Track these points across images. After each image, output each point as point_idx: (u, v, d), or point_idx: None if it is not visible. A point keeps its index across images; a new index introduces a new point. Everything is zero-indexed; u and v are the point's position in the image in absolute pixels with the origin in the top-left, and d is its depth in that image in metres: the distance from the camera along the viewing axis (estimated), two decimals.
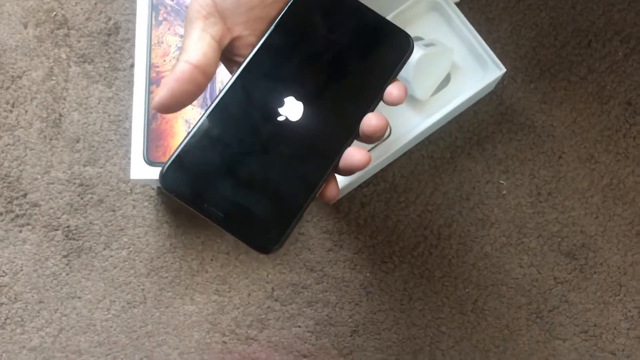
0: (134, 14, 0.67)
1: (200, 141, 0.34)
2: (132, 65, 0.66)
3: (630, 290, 0.61)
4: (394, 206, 0.63)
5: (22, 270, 0.64)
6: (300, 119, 0.35)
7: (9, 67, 0.67)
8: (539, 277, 0.62)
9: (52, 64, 0.67)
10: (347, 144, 0.35)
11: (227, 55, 0.37)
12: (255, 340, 0.62)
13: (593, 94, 0.63)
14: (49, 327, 0.63)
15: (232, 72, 0.38)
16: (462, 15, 0.59)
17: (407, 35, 0.36)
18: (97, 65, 0.67)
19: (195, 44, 0.35)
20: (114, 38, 0.67)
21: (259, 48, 0.36)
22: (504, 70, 0.58)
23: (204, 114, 0.34)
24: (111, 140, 0.65)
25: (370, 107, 0.36)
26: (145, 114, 0.58)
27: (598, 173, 0.63)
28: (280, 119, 0.35)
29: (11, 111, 0.66)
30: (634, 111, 0.63)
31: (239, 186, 0.33)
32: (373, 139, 0.36)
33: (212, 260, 0.63)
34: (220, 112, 0.35)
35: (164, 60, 0.59)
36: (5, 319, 0.63)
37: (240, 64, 0.36)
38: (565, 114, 0.63)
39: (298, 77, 0.36)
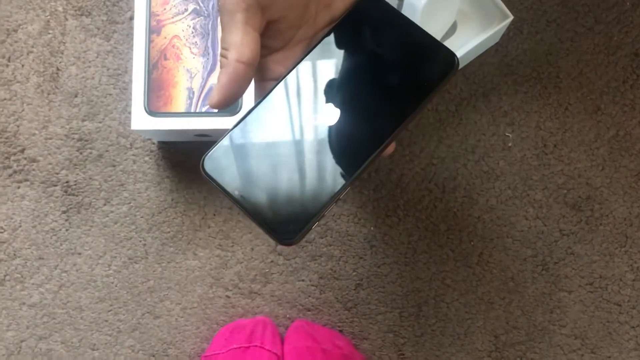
0: None
1: (242, 135, 0.37)
2: (131, 18, 0.65)
3: (637, 242, 0.61)
4: (399, 160, 0.62)
5: (20, 226, 0.63)
6: (336, 125, 0.37)
7: (4, 21, 0.65)
8: (544, 229, 0.61)
9: (49, 17, 0.65)
10: (374, 154, 0.37)
11: None
12: (259, 295, 0.62)
13: (600, 45, 0.63)
14: (49, 283, 0.62)
15: None
16: None
17: (453, 55, 0.38)
18: (94, 18, 0.65)
19: (242, 40, 0.35)
20: None
21: (309, 53, 0.39)
22: (511, 17, 0.57)
23: (250, 110, 0.37)
24: (110, 94, 0.64)
25: (405, 120, 0.37)
26: (145, 63, 0.57)
27: (604, 125, 0.62)
28: (318, 122, 0.37)
29: (7, 65, 0.65)
30: None
31: (271, 181, 0.36)
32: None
33: (214, 215, 0.62)
34: (265, 110, 0.37)
35: (164, 9, 0.58)
36: (5, 276, 0.62)
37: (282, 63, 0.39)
38: (571, 65, 0.63)
39: (342, 84, 0.38)
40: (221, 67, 0.36)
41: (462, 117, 0.62)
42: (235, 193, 0.36)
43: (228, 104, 0.36)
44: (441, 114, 0.63)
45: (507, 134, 0.62)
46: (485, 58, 0.63)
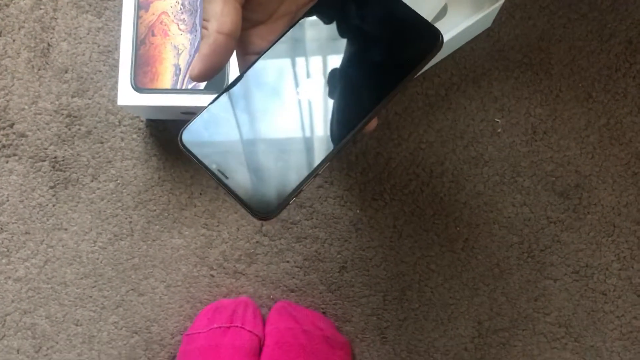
0: None
1: (221, 109, 0.37)
2: None
3: (624, 231, 0.60)
4: (387, 143, 0.62)
5: (8, 200, 0.63)
6: (317, 100, 0.37)
7: None
8: (531, 216, 0.61)
9: None
10: (354, 130, 0.37)
11: None
12: (243, 275, 0.61)
13: (593, 31, 0.62)
14: (35, 258, 0.62)
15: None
16: None
17: (437, 32, 0.38)
18: None
19: (223, 10, 0.35)
20: None
21: (292, 28, 0.38)
22: (502, 0, 0.56)
23: (230, 84, 0.37)
24: (100, 71, 0.64)
25: (387, 96, 0.37)
26: (133, 39, 0.57)
27: (595, 112, 0.61)
28: (299, 97, 0.37)
29: None
30: (634, 50, 0.62)
31: (248, 156, 0.36)
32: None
33: (200, 194, 0.62)
34: (245, 84, 0.37)
35: None
36: None
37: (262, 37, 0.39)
38: (563, 51, 0.62)
39: (324, 59, 0.38)
40: (202, 38, 0.36)
41: (452, 101, 0.62)
42: (213, 166, 0.36)
43: (209, 76, 0.36)
44: (430, 98, 0.62)
45: (496, 120, 0.62)
46: (477, 43, 0.62)
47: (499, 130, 0.62)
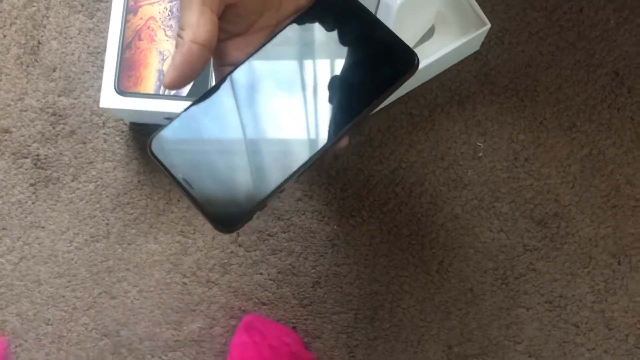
0: None
1: (191, 119, 0.37)
2: None
3: (600, 264, 0.60)
4: (368, 160, 0.62)
5: None
6: (288, 115, 0.37)
7: None
8: (507, 242, 0.60)
9: None
10: (323, 147, 0.37)
11: None
12: (216, 284, 0.61)
13: (581, 61, 0.62)
14: (10, 254, 0.62)
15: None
16: None
17: (414, 54, 0.38)
18: None
19: (198, 21, 0.35)
20: None
21: (269, 41, 0.38)
22: (489, 25, 0.56)
23: (203, 95, 0.37)
24: (88, 72, 0.64)
25: (358, 115, 0.37)
26: (119, 43, 0.57)
27: (578, 142, 0.61)
28: (270, 111, 0.37)
29: None
30: (620, 82, 0.61)
31: (215, 167, 0.36)
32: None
33: (179, 201, 0.62)
34: (217, 95, 0.37)
35: None
36: None
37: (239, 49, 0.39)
38: (550, 79, 0.62)
39: (298, 74, 0.38)
40: (176, 47, 0.36)
41: (435, 123, 0.62)
42: (179, 176, 0.36)
43: (181, 84, 0.36)
44: (414, 118, 0.62)
45: (478, 144, 0.61)
46: (464, 66, 0.62)
47: (481, 154, 0.61)
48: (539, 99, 0.62)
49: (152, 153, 0.36)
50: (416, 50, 0.58)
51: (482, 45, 0.62)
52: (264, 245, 0.62)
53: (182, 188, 0.36)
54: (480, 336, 0.60)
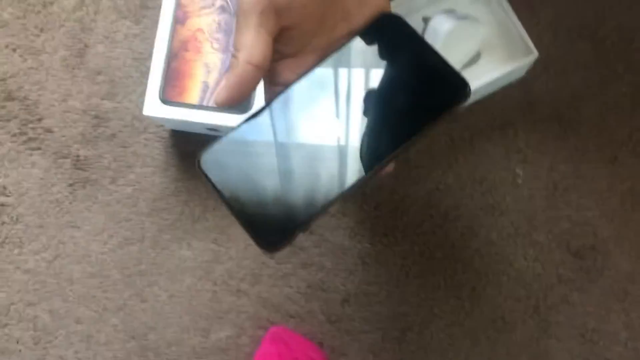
0: None
1: (242, 137, 0.37)
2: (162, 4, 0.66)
3: (636, 299, 0.59)
4: (404, 180, 0.62)
5: (27, 192, 0.64)
6: (337, 138, 0.37)
7: None
8: (542, 272, 0.60)
9: None
10: (370, 173, 0.36)
11: None
12: (246, 294, 0.62)
13: (627, 93, 0.61)
14: (46, 252, 0.63)
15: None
16: None
17: (466, 84, 0.37)
18: (128, 0, 0.66)
19: (254, 42, 0.35)
20: None
21: (321, 63, 0.38)
22: (536, 54, 0.56)
23: (254, 113, 0.38)
24: (132, 77, 0.65)
25: (407, 142, 0.37)
26: (166, 52, 0.58)
27: (620, 176, 0.60)
28: (319, 133, 0.37)
29: (39, 35, 0.66)
30: None
31: (262, 187, 0.36)
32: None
33: (214, 209, 0.63)
34: (268, 115, 0.38)
35: (192, 1, 0.58)
36: (5, 238, 0.64)
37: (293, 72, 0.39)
38: (594, 111, 0.61)
39: (349, 98, 0.38)
40: (230, 67, 0.36)
41: (475, 146, 0.62)
42: (226, 193, 0.36)
43: (233, 103, 0.36)
44: (455, 140, 0.62)
45: (517, 171, 0.61)
46: (508, 91, 0.62)
47: (519, 181, 0.61)
48: (581, 129, 0.61)
49: (201, 169, 0.37)
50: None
51: (527, 72, 0.61)
52: (295, 259, 0.62)
53: (229, 206, 0.36)
54: None
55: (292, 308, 0.61)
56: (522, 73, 0.60)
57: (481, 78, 0.57)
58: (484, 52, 0.58)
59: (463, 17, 0.56)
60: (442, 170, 0.61)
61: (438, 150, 0.62)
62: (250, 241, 0.62)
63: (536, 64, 0.61)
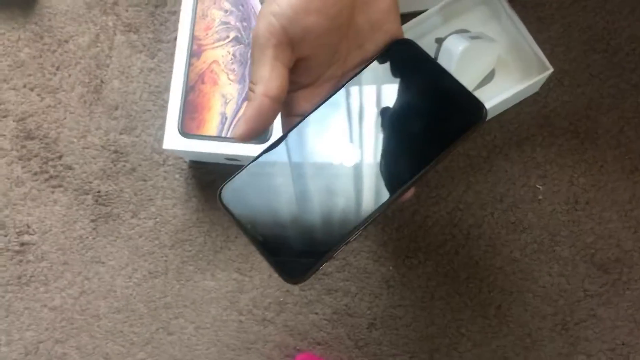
0: None
1: (261, 169, 0.38)
2: (176, 39, 0.67)
3: None
4: (425, 201, 0.62)
5: (50, 230, 0.65)
6: (355, 166, 0.37)
7: (57, 31, 0.68)
8: (568, 287, 0.59)
9: (99, 30, 0.68)
10: (390, 199, 0.37)
11: None
12: (272, 323, 0.62)
13: None
14: (71, 288, 0.64)
15: None
16: (512, 12, 0.57)
17: (482, 106, 0.38)
18: (142, 35, 0.67)
19: (270, 75, 0.36)
20: (161, 10, 0.67)
21: (337, 92, 0.39)
22: (551, 70, 0.56)
23: (272, 144, 0.38)
24: (149, 110, 0.66)
25: (426, 167, 0.37)
26: (183, 85, 0.58)
27: None
28: (338, 163, 0.38)
29: (55, 74, 0.67)
30: None
31: (284, 218, 0.36)
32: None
33: (236, 238, 0.63)
34: (286, 146, 0.38)
35: (206, 34, 0.59)
36: (31, 277, 0.64)
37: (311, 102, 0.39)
38: (611, 122, 0.61)
39: (366, 126, 0.38)
40: (248, 101, 0.37)
41: (494, 164, 0.62)
42: (248, 226, 0.36)
43: (253, 136, 0.37)
44: (472, 159, 0.62)
45: (538, 186, 0.61)
46: (523, 107, 0.62)
47: (540, 197, 0.61)
48: (599, 141, 0.61)
49: (222, 203, 0.37)
50: (476, 93, 0.58)
51: (541, 87, 0.61)
52: (319, 285, 0.62)
53: (251, 238, 0.36)
54: None
55: (319, 335, 0.61)
56: (537, 88, 0.60)
57: (497, 96, 0.57)
58: (499, 70, 0.58)
59: (476, 37, 0.56)
60: (462, 190, 0.61)
61: (457, 170, 0.62)
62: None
63: (550, 77, 0.61)
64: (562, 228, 0.60)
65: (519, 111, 0.62)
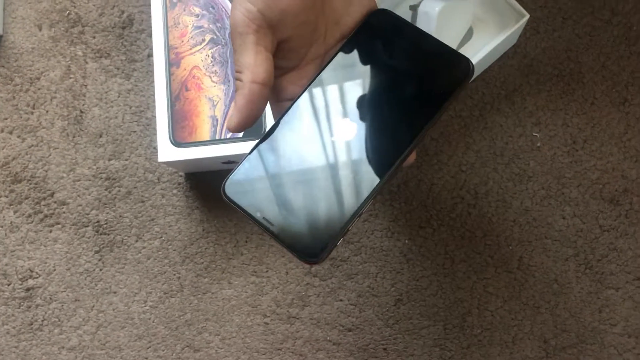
0: (147, 5, 0.67)
1: (260, 157, 0.37)
2: (149, 55, 0.66)
3: None
4: (427, 169, 0.62)
5: (55, 270, 0.63)
6: (355, 140, 0.37)
7: (26, 70, 0.66)
8: (583, 227, 0.60)
9: (69, 62, 0.66)
10: (394, 166, 0.36)
11: None
12: (298, 319, 0.60)
13: (619, 36, 0.62)
14: (87, 325, 0.62)
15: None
16: None
17: (468, 61, 0.38)
18: (114, 59, 0.66)
19: (255, 61, 0.35)
20: (129, 30, 0.67)
21: (322, 71, 0.38)
22: (527, 16, 0.57)
23: (267, 132, 0.38)
24: (134, 131, 0.65)
25: (423, 129, 0.37)
26: (167, 96, 0.57)
27: (633, 115, 0.61)
28: (336, 139, 0.37)
29: (32, 112, 0.66)
30: None
31: (292, 201, 0.36)
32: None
33: (246, 242, 0.62)
34: (282, 130, 0.38)
35: (182, 41, 0.58)
36: (42, 321, 0.62)
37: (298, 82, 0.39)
38: (592, 59, 0.62)
39: (357, 99, 0.38)
40: (236, 90, 0.36)
41: (487, 121, 0.62)
42: (257, 215, 0.36)
43: (247, 126, 0.36)
44: (465, 119, 0.62)
45: (534, 134, 0.61)
46: (505, 60, 0.62)
47: (539, 144, 0.61)
48: (585, 80, 0.62)
49: (228, 197, 0.36)
50: None
51: (518, 38, 0.62)
52: (338, 272, 0.61)
53: (263, 227, 0.36)
54: (575, 325, 0.58)
55: (348, 321, 0.60)
56: (515, 40, 0.61)
57: (478, 52, 0.57)
58: (476, 27, 0.59)
59: None
60: (461, 152, 0.62)
61: (453, 134, 0.62)
62: (290, 265, 0.62)
63: (525, 28, 0.62)
64: (566, 170, 0.60)
65: (502, 65, 0.62)
